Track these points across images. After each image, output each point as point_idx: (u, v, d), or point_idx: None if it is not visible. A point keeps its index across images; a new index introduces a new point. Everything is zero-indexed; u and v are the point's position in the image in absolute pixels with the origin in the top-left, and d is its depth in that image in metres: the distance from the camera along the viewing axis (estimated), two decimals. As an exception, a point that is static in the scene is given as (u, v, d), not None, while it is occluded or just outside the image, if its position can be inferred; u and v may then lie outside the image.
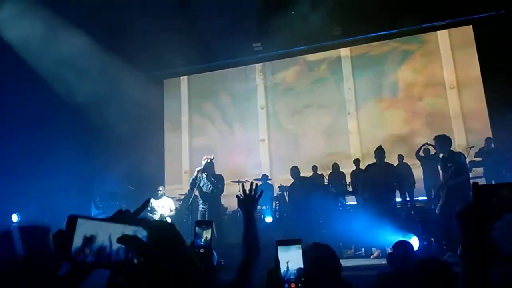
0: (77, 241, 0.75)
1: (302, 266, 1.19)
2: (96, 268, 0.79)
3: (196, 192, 6.71)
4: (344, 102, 11.06)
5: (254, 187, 2.05)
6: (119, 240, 0.76)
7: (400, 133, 10.22)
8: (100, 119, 9.36)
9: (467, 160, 8.41)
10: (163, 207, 7.88)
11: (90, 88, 8.88)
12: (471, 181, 7.55)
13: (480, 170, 8.67)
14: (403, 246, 3.34)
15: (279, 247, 1.22)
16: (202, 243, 1.43)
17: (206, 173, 6.57)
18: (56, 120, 8.34)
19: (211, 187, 6.55)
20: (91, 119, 9.26)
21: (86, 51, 9.18)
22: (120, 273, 0.79)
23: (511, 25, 8.92)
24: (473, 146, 8.85)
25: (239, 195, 2.05)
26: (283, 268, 1.19)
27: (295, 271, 1.18)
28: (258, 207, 8.67)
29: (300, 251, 1.21)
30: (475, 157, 8.68)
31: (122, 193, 8.40)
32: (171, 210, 7.95)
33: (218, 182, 6.62)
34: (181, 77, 12.60)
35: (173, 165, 12.15)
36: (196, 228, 1.45)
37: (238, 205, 2.04)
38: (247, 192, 2.03)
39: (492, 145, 8.80)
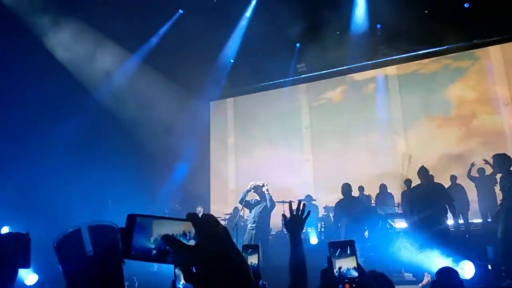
0: (136, 238, 0.81)
1: (356, 265, 1.17)
2: (153, 262, 0.84)
3: (242, 213, 6.82)
4: (392, 121, 10.79)
5: (302, 207, 2.02)
6: (163, 238, 0.80)
7: (454, 152, 9.80)
8: (148, 141, 9.78)
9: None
10: None
11: (138, 108, 9.32)
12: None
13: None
14: (447, 273, 3.18)
15: (331, 249, 1.21)
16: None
17: (258, 194, 6.73)
18: (103, 138, 8.68)
19: (261, 208, 6.64)
20: (138, 140, 9.67)
21: (133, 70, 9.69)
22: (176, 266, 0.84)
23: None
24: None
25: (285, 214, 2.07)
26: (336, 268, 1.18)
27: (349, 271, 1.16)
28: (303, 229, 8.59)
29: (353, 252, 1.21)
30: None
31: (170, 213, 8.62)
32: None
33: (270, 200, 6.72)
34: (227, 99, 12.90)
35: (219, 185, 12.36)
36: (243, 252, 1.43)
37: (284, 225, 2.03)
38: (295, 211, 2.00)
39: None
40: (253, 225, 6.62)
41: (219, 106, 13.08)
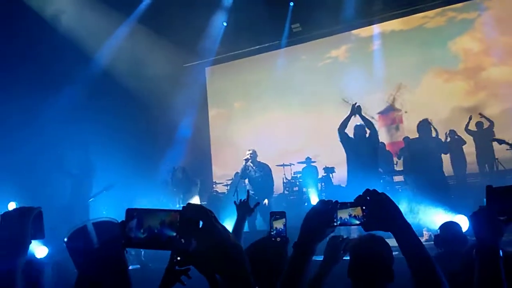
0: (134, 229, 0.95)
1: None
2: (149, 249, 0.97)
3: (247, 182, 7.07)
4: (397, 77, 10.62)
5: (247, 196, 2.62)
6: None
7: (463, 106, 9.72)
8: (146, 108, 9.78)
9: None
10: None
11: (133, 76, 9.23)
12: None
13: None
14: (451, 227, 3.25)
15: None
16: (276, 232, 1.54)
17: (251, 163, 6.96)
18: (100, 107, 8.64)
19: (259, 175, 6.89)
20: (136, 107, 9.66)
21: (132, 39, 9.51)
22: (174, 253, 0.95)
23: None
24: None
25: (235, 202, 2.61)
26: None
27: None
28: (304, 190, 8.73)
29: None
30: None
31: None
32: None
33: (262, 169, 6.97)
34: (222, 64, 12.69)
35: (219, 151, 12.43)
36: (271, 219, 1.58)
37: (237, 210, 2.56)
38: (243, 201, 2.56)
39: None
40: (253, 193, 6.81)
41: (214, 72, 12.90)
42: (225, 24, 11.14)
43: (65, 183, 7.23)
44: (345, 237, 1.95)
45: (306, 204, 8.20)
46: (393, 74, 10.61)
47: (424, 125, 6.20)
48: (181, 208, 0.95)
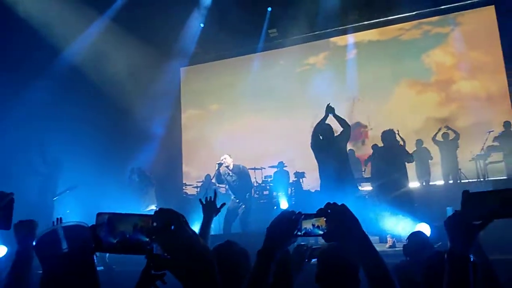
0: (105, 233, 0.95)
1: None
2: (121, 254, 0.96)
3: (214, 180, 7.03)
4: (372, 87, 10.85)
5: (214, 195, 2.55)
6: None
7: (434, 117, 10.02)
8: (118, 104, 9.60)
9: (486, 145, 8.34)
10: None
11: (107, 73, 9.06)
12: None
13: (499, 155, 8.53)
14: (418, 237, 3.31)
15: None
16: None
17: (227, 166, 6.99)
18: (71, 101, 8.43)
19: (237, 178, 6.95)
20: (108, 105, 9.47)
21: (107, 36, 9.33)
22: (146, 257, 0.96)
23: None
24: (492, 130, 8.69)
25: (201, 201, 2.53)
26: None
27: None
28: (274, 194, 8.78)
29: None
30: (493, 141, 8.53)
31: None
32: None
33: (240, 172, 7.01)
34: (198, 65, 12.61)
35: (191, 152, 12.33)
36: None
37: (202, 210, 2.48)
38: (209, 200, 2.50)
39: (512, 129, 8.62)
40: (234, 196, 6.86)
41: (190, 72, 12.80)
42: (202, 25, 11.10)
43: (32, 181, 7.02)
44: (312, 245, 1.98)
45: (275, 208, 8.24)
46: (368, 84, 10.86)
47: (389, 134, 6.31)
48: (151, 212, 0.94)
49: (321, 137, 5.92)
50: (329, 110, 5.90)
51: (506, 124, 8.55)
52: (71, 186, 6.84)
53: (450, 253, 1.14)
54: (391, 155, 6.13)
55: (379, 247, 5.77)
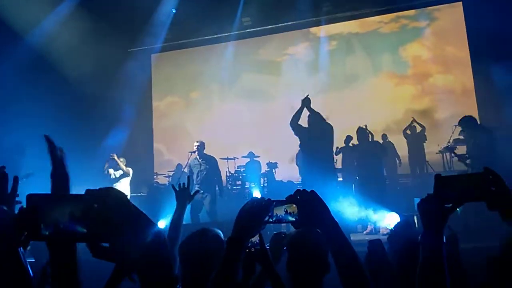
0: (38, 218, 0.82)
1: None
2: (55, 241, 0.88)
3: (186, 170, 6.95)
4: (349, 78, 10.94)
5: (187, 181, 2.51)
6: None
7: (411, 109, 10.13)
8: (84, 91, 9.29)
9: (452, 138, 8.62)
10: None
11: (73, 57, 8.73)
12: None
13: (464, 148, 8.82)
14: (405, 226, 3.36)
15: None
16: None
17: (198, 155, 6.91)
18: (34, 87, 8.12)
19: (204, 168, 6.85)
20: (74, 90, 9.17)
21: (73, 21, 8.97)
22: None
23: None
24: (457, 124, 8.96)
25: (174, 186, 2.48)
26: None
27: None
28: (246, 184, 8.78)
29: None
30: (459, 135, 8.80)
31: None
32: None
33: (208, 162, 6.90)
34: (170, 52, 12.32)
35: (161, 141, 12.13)
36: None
37: (176, 196, 2.42)
38: (182, 187, 2.46)
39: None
40: (199, 186, 6.77)
41: (161, 59, 12.50)
42: (174, 11, 10.84)
43: None
44: (287, 233, 1.97)
45: (248, 198, 8.24)
46: (345, 75, 10.99)
47: (360, 132, 6.92)
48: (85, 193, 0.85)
49: (307, 126, 5.89)
50: (306, 102, 5.85)
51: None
52: (26, 173, 6.52)
53: (423, 236, 1.16)
54: (364, 151, 6.38)
55: (358, 236, 6.01)
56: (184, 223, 2.41)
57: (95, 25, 9.14)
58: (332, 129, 5.82)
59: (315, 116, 5.80)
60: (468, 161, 6.07)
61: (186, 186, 2.47)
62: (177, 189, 2.46)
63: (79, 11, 9.10)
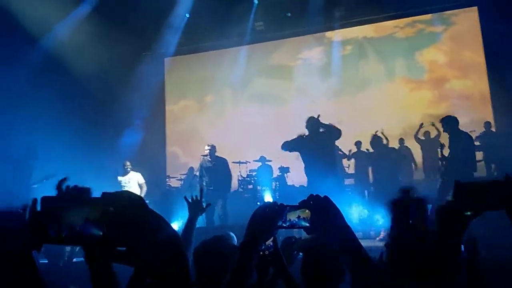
0: (52, 221, 0.83)
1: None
2: (70, 244, 0.85)
3: (197, 173, 7.00)
4: (364, 83, 10.88)
5: (200, 193, 2.53)
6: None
7: (427, 114, 9.95)
8: (97, 96, 9.41)
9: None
10: (130, 182, 7.89)
11: (86, 61, 8.85)
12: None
13: (480, 154, 8.68)
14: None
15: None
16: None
17: (210, 158, 6.99)
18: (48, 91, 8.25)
19: (216, 171, 6.94)
20: (87, 95, 9.29)
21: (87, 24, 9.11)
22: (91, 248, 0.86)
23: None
24: (474, 130, 8.83)
25: (187, 199, 2.49)
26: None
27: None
28: (258, 188, 8.76)
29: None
30: (474, 141, 8.67)
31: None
32: (140, 185, 7.91)
33: (220, 165, 6.98)
34: (184, 56, 12.40)
35: (174, 144, 12.20)
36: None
37: (188, 208, 2.44)
38: (195, 199, 2.47)
39: (492, 129, 8.79)
40: (211, 187, 6.81)
41: (174, 63, 12.59)
42: (187, 15, 10.94)
43: (5, 168, 6.80)
44: (297, 237, 1.97)
45: (258, 203, 8.23)
46: (360, 80, 10.92)
47: (376, 138, 7.07)
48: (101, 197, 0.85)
49: (305, 135, 5.92)
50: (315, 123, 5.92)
51: (487, 124, 8.71)
52: (48, 174, 6.62)
53: (441, 242, 1.15)
54: (380, 158, 6.40)
55: (371, 242, 5.96)
56: (198, 226, 2.44)
57: (109, 29, 9.25)
58: (335, 136, 5.83)
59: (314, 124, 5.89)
60: (444, 162, 6.01)
61: (199, 198, 2.49)
62: (190, 201, 2.48)
63: (93, 15, 9.25)
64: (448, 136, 6.15)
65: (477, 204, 1.11)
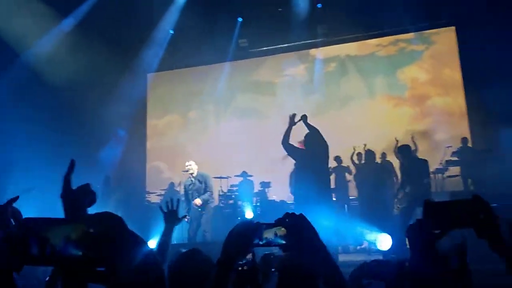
0: (32, 244, 0.82)
1: None
2: (51, 265, 0.90)
3: (178, 188, 6.90)
4: (348, 100, 11.07)
5: (177, 203, 2.45)
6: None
7: (410, 131, 9.85)
8: (78, 110, 9.32)
9: (444, 159, 8.69)
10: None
11: (69, 75, 8.79)
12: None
13: (457, 169, 8.88)
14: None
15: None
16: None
17: (191, 174, 6.94)
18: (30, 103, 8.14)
19: (198, 187, 6.87)
20: (68, 108, 9.18)
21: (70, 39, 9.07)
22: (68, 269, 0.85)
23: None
24: (450, 146, 9.06)
25: (162, 208, 2.42)
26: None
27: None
28: (239, 203, 8.74)
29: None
30: (451, 156, 8.88)
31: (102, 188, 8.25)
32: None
33: (201, 181, 6.91)
34: (167, 71, 12.40)
35: (156, 160, 12.10)
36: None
37: (164, 218, 2.37)
38: (170, 207, 2.40)
39: (469, 145, 9.01)
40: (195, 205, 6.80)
41: (157, 79, 12.58)
42: (172, 31, 11.01)
43: None
44: (276, 254, 1.97)
45: (239, 218, 8.20)
46: (344, 96, 11.12)
47: (357, 155, 7.38)
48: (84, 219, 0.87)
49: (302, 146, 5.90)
50: (303, 118, 5.81)
51: (464, 139, 8.95)
52: (27, 188, 6.47)
53: (411, 261, 1.18)
54: (362, 173, 6.51)
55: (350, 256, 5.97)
56: (181, 242, 2.40)
57: (91, 44, 9.24)
58: (328, 148, 5.79)
59: (311, 134, 5.74)
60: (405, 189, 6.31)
61: (175, 209, 2.41)
62: (165, 210, 2.41)
63: (76, 30, 9.23)
64: (404, 163, 6.50)
65: (445, 222, 1.13)
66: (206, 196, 6.84)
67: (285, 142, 5.75)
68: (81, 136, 9.64)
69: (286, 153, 5.89)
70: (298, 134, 5.92)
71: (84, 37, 9.25)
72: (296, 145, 5.93)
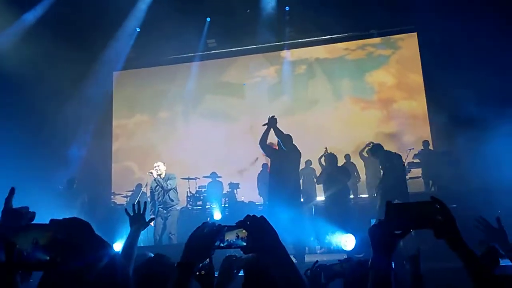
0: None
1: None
2: (20, 269, 0.89)
3: (145, 189, 6.80)
4: (317, 102, 11.22)
5: (144, 205, 2.38)
6: None
7: (376, 133, 10.39)
8: (40, 109, 8.98)
9: (407, 161, 8.97)
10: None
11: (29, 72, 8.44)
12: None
13: (418, 171, 9.22)
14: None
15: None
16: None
17: (157, 176, 6.85)
18: None
19: (165, 189, 6.79)
20: (29, 107, 8.83)
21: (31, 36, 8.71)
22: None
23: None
24: (412, 148, 9.38)
25: (128, 212, 2.34)
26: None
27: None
28: (207, 204, 8.70)
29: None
30: (413, 158, 9.20)
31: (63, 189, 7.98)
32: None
33: (168, 182, 6.84)
34: (133, 70, 12.15)
35: (122, 161, 11.83)
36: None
37: (129, 222, 2.30)
38: (136, 211, 2.33)
39: (430, 147, 9.37)
40: (161, 206, 6.72)
41: (123, 77, 12.30)
42: (138, 29, 10.80)
43: None
44: (238, 256, 1.99)
45: (208, 219, 8.14)
46: (312, 99, 11.26)
47: (324, 157, 7.28)
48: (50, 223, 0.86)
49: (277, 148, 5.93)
50: (272, 123, 5.82)
51: (425, 142, 9.30)
52: None
53: (372, 261, 1.20)
54: (331, 174, 6.60)
55: (316, 256, 6.05)
56: (147, 245, 2.35)
57: (55, 41, 8.89)
58: (300, 155, 5.89)
59: (284, 139, 5.80)
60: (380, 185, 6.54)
61: (142, 212, 2.33)
62: (131, 214, 2.32)
63: (38, 26, 8.88)
64: (379, 161, 6.68)
65: (405, 223, 1.18)
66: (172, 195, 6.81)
67: (262, 143, 5.82)
68: (46, 136, 9.28)
69: (263, 152, 5.96)
70: (274, 136, 5.94)
71: (45, 33, 8.88)
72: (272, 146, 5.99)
